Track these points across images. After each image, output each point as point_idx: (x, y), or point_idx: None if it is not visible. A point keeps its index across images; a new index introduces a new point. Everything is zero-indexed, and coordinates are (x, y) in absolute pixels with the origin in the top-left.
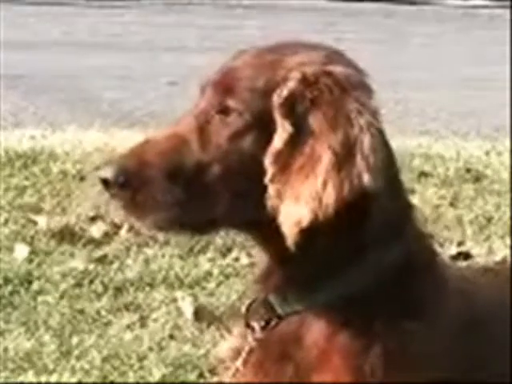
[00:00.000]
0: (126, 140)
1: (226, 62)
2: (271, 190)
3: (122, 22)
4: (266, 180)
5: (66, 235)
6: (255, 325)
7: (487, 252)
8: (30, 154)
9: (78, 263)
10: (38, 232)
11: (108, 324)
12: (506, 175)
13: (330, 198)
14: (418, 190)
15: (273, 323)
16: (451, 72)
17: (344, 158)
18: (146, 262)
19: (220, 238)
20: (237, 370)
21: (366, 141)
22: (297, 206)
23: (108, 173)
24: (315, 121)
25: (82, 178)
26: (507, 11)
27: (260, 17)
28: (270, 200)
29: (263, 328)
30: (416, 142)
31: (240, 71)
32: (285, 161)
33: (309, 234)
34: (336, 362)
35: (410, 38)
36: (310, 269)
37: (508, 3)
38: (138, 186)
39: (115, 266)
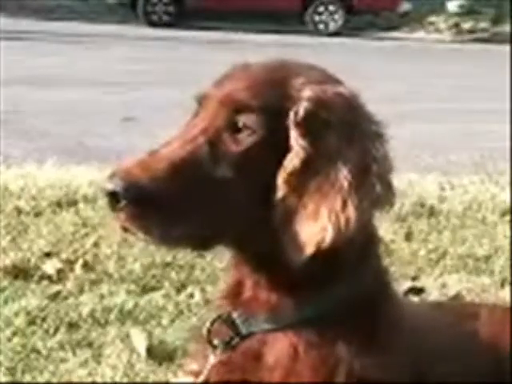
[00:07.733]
0: (81, 175)
1: (226, 76)
2: (282, 208)
3: (73, 58)
4: (277, 198)
5: (20, 272)
6: (218, 343)
7: (441, 287)
8: None
9: (32, 300)
10: None
11: (61, 361)
12: (460, 209)
13: (351, 218)
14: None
15: (235, 341)
16: (403, 105)
17: (362, 177)
18: (100, 298)
19: (175, 274)
20: None
21: (382, 161)
22: (316, 226)
23: (116, 186)
24: (331, 141)
25: (37, 214)
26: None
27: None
28: (279, 218)
29: (225, 346)
30: None
31: (248, 88)
32: (299, 180)
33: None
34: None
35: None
36: (285, 289)
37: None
38: (148, 200)
39: (69, 302)
